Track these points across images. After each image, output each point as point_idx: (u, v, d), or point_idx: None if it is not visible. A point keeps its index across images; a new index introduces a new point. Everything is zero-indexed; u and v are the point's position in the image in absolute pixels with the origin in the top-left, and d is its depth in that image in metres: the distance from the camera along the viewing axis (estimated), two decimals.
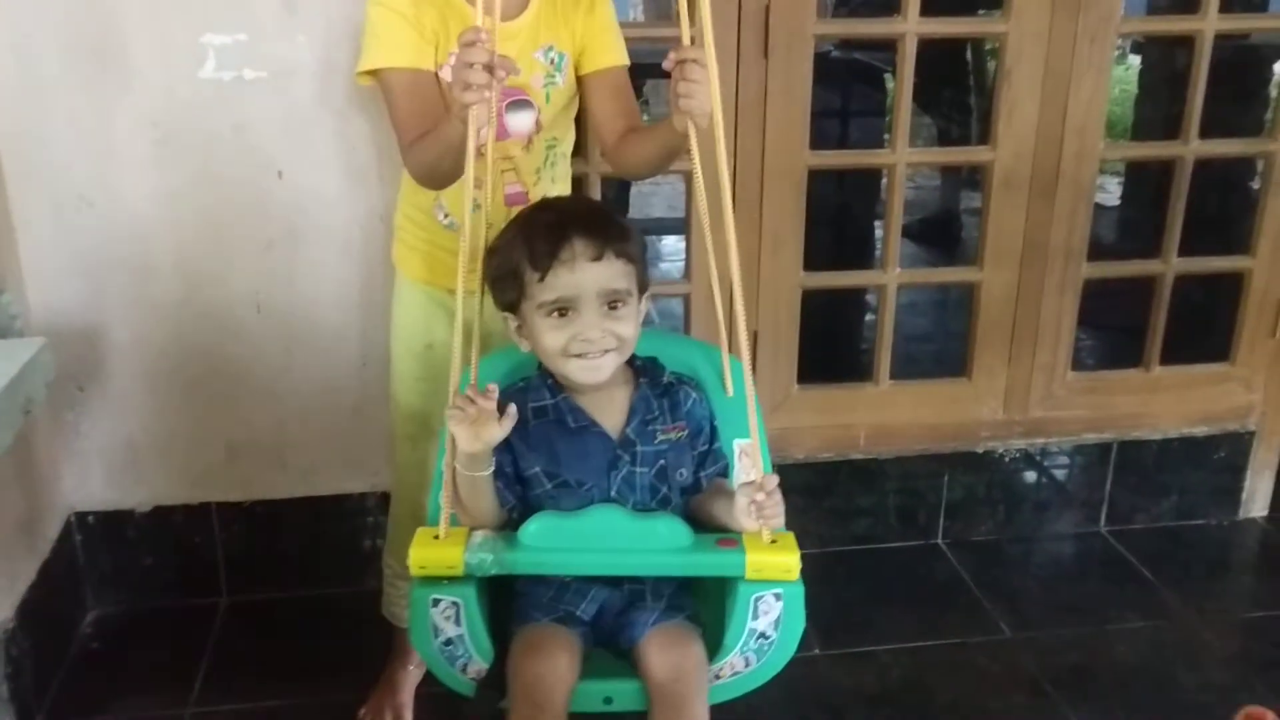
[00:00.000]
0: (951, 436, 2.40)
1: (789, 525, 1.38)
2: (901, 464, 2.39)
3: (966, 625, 2.17)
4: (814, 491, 2.38)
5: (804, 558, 1.40)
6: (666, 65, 1.39)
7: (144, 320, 2.03)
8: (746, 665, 1.40)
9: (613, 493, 1.41)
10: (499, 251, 1.41)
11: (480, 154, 1.43)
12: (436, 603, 1.34)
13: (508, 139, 1.62)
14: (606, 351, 1.38)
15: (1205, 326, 2.59)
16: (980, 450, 2.42)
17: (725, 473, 1.49)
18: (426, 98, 1.54)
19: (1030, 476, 2.47)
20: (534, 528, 1.34)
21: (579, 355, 1.37)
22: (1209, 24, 2.24)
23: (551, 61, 1.63)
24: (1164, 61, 3.40)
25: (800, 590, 1.36)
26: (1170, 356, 2.45)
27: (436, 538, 1.35)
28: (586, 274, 1.35)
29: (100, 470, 2.11)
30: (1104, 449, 2.45)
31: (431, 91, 1.55)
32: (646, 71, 1.86)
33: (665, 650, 1.37)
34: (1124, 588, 2.30)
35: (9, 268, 1.93)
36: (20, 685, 1.81)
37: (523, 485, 1.42)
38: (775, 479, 1.35)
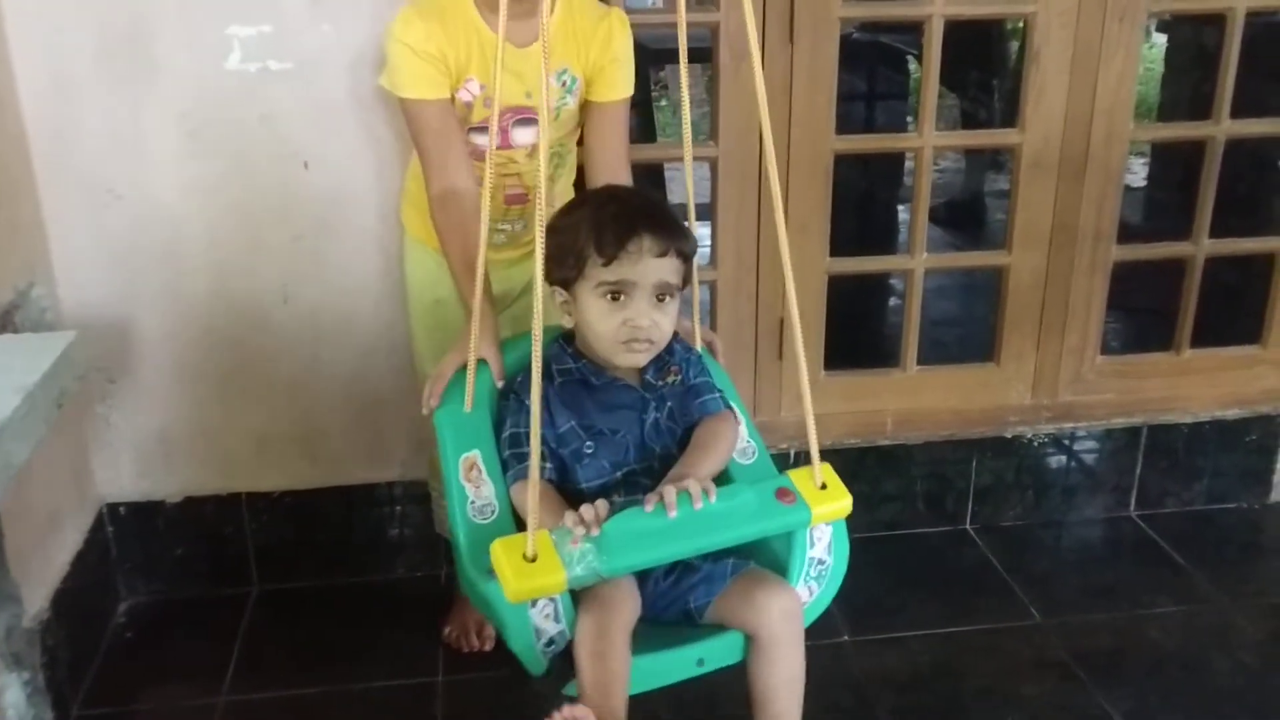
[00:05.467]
0: (979, 421, 2.39)
1: None
2: (929, 449, 2.38)
3: (996, 610, 2.16)
4: (841, 478, 2.34)
5: None
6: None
7: (173, 312, 2.05)
8: (810, 594, 1.43)
9: (644, 439, 1.50)
10: (563, 231, 1.46)
11: (484, 157, 1.56)
12: (534, 603, 1.27)
13: (511, 149, 1.73)
14: (650, 343, 1.47)
15: (1236, 309, 2.56)
16: (1009, 435, 2.40)
17: (714, 401, 1.56)
18: (444, 122, 1.67)
19: (1059, 461, 2.45)
20: (616, 530, 1.26)
21: (627, 341, 1.46)
22: (1240, 1, 2.20)
23: (564, 84, 1.72)
24: (1192, 40, 3.36)
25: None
26: (1201, 339, 2.42)
27: (525, 557, 1.22)
28: (649, 266, 1.44)
29: (131, 462, 2.13)
30: (1134, 433, 2.43)
31: (448, 116, 1.67)
32: (667, 56, 1.86)
33: (766, 593, 1.40)
34: (1155, 572, 2.29)
35: (40, 261, 1.94)
36: (56, 674, 1.83)
37: (557, 444, 1.47)
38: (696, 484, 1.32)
